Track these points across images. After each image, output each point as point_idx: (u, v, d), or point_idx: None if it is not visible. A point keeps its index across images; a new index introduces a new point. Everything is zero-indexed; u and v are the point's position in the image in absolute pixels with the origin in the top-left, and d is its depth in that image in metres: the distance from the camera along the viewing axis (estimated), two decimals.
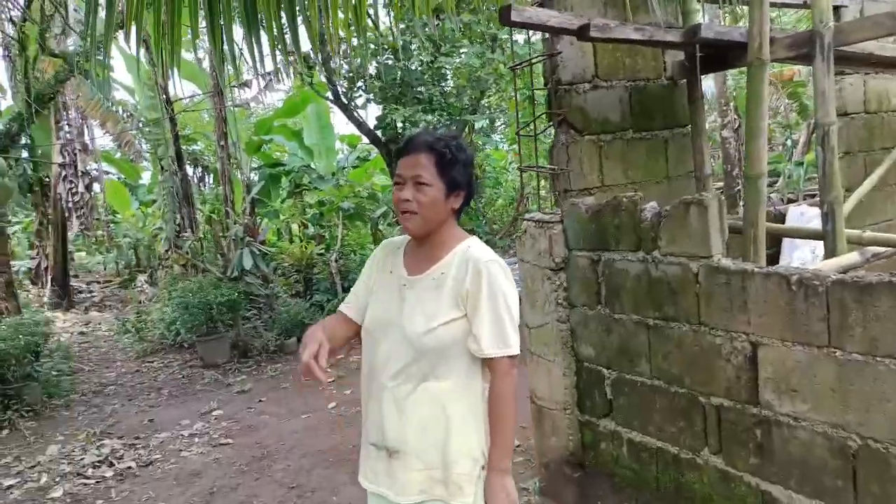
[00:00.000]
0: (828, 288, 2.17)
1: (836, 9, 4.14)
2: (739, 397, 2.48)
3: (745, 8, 3.63)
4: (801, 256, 4.00)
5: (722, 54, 3.49)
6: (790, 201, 10.44)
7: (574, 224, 3.13)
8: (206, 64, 9.65)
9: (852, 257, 3.02)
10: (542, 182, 7.96)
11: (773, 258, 4.33)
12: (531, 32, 3.72)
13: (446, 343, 1.70)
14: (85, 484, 4.38)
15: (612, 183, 3.49)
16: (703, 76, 3.66)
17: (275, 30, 2.98)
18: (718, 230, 2.54)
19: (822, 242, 3.19)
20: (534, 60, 3.45)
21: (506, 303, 1.71)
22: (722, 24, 6.88)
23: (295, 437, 4.93)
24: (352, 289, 1.97)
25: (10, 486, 4.41)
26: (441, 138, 1.76)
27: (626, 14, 3.39)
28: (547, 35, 3.44)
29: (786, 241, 4.21)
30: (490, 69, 8.40)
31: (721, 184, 10.84)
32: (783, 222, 4.28)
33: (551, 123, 3.42)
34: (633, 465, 2.97)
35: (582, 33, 2.93)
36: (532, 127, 3.55)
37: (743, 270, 2.41)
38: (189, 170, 10.94)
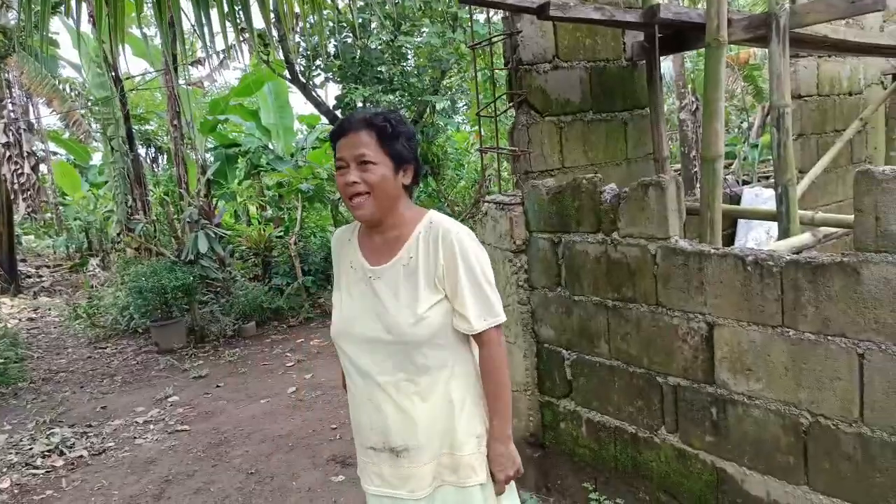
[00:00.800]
0: (781, 269, 2.19)
1: None
2: (696, 377, 2.51)
3: None
4: (756, 237, 4.07)
5: (681, 35, 3.50)
6: (745, 183, 10.68)
7: (534, 206, 3.12)
8: (157, 41, 9.32)
9: (805, 238, 3.08)
10: (504, 164, 7.95)
11: (729, 239, 4.41)
12: (492, 11, 3.67)
13: (435, 328, 1.63)
14: (34, 474, 4.24)
15: (573, 165, 3.48)
16: (661, 58, 3.66)
17: (225, 5, 2.87)
18: (676, 212, 2.55)
19: (776, 223, 3.24)
20: (494, 39, 3.39)
21: (483, 271, 1.65)
22: (681, 4, 6.93)
23: (253, 422, 4.86)
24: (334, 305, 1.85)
25: None
26: (378, 113, 1.65)
27: None
28: (507, 14, 3.39)
29: (741, 222, 4.29)
30: (451, 49, 8.29)
31: (678, 166, 11.01)
32: (739, 203, 4.35)
33: (512, 104, 3.38)
34: (592, 444, 3.00)
35: (542, 12, 2.89)
36: (493, 108, 3.51)
37: (700, 252, 2.43)
38: (141, 150, 10.61)
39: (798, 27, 3.08)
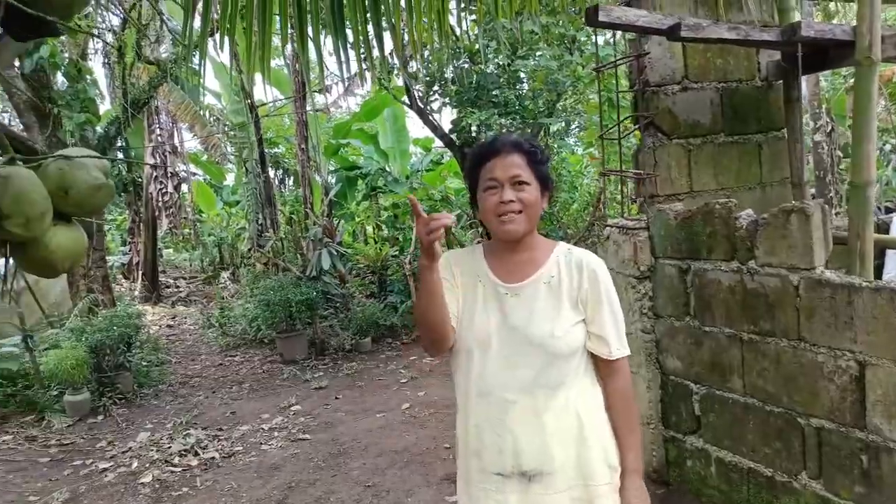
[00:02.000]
0: None
1: None
2: (843, 420, 2.32)
3: (838, 5, 3.42)
4: None
5: (821, 54, 3.30)
6: (888, 210, 9.81)
7: (661, 231, 3.03)
8: (288, 70, 9.96)
9: None
10: (622, 187, 7.77)
11: (877, 271, 4.05)
12: (614, 33, 3.63)
13: (573, 346, 1.65)
14: (172, 471, 4.57)
15: (702, 189, 3.35)
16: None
17: (360, 36, 3.02)
18: (822, 240, 2.39)
19: None
20: (620, 62, 3.35)
21: (618, 302, 1.71)
22: (812, 19, 6.53)
23: (370, 435, 4.99)
24: None
25: (104, 470, 4.66)
26: (525, 139, 1.72)
27: (719, 12, 3.25)
28: (633, 35, 3.34)
29: (890, 253, 3.94)
30: (567, 71, 8.26)
31: (813, 190, 10.29)
32: (887, 232, 4.01)
33: (637, 127, 3.32)
34: (722, 485, 2.84)
35: (673, 33, 2.83)
36: (615, 131, 3.46)
37: (850, 284, 2.26)
38: (271, 172, 11.31)
39: None
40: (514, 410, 1.64)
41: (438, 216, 1.51)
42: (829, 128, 10.37)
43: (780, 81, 3.52)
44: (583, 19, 2.88)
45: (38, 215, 1.50)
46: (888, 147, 13.01)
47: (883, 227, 4.12)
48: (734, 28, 2.96)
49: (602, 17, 2.74)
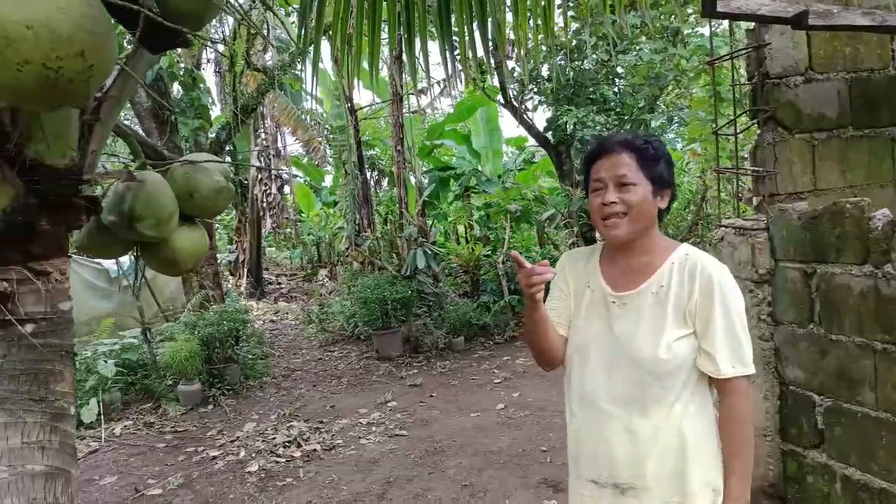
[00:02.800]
0: None
1: None
2: None
3: None
4: None
5: None
6: None
7: (783, 232, 2.84)
8: (384, 73, 10.17)
9: None
10: (727, 185, 7.39)
11: None
12: (730, 23, 3.44)
13: (677, 363, 1.55)
14: (276, 461, 4.77)
15: (827, 187, 3.12)
16: None
17: (466, 37, 3.03)
18: None
19: None
20: (736, 54, 3.18)
21: (739, 314, 1.55)
22: None
23: (465, 434, 5.01)
24: (548, 304, 1.78)
25: (214, 457, 4.92)
26: (638, 136, 1.64)
27: None
28: (751, 25, 3.16)
29: None
30: (671, 65, 7.96)
31: None
32: None
33: (755, 121, 3.13)
34: None
35: (799, 22, 2.65)
36: (729, 126, 3.28)
37: None
38: (367, 173, 11.60)
39: None
40: (611, 421, 1.60)
41: (540, 270, 1.53)
42: None
43: None
44: (689, 11, 2.75)
45: (167, 217, 1.60)
46: None
47: None
48: (868, 13, 2.73)
49: (721, 8, 2.60)
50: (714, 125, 3.30)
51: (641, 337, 1.58)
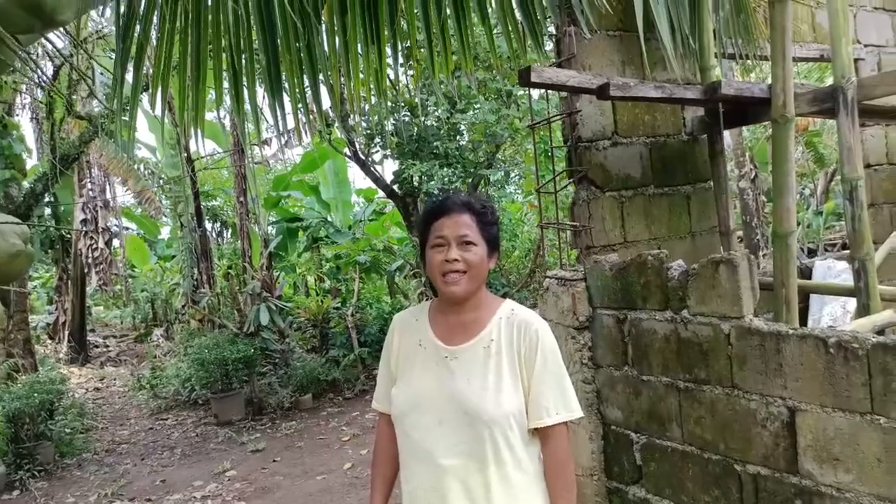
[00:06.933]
0: (868, 351, 2.07)
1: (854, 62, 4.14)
2: (777, 465, 2.36)
3: (753, 62, 3.64)
4: (832, 312, 3.89)
5: (742, 109, 3.48)
6: (811, 251, 10.26)
7: (598, 282, 3.07)
8: (227, 123, 9.87)
9: (887, 315, 2.92)
10: (559, 234, 7.93)
11: (803, 313, 4.21)
12: (547, 91, 3.75)
13: (514, 412, 1.61)
14: None
15: (635, 239, 3.44)
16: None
17: (297, 91, 3.02)
18: (749, 289, 2.46)
19: (852, 297, 3.09)
20: (553, 119, 3.45)
21: (560, 365, 1.67)
22: (735, 76, 6.92)
23: (310, 499, 4.79)
24: (378, 381, 1.88)
25: None
26: (476, 199, 1.74)
27: (645, 71, 3.40)
28: (565, 94, 3.45)
29: (814, 296, 4.11)
30: (505, 124, 8.48)
31: (741, 234, 10.75)
32: (810, 277, 4.19)
33: (571, 180, 3.40)
34: None
35: (602, 93, 2.94)
36: (551, 183, 3.53)
37: (777, 332, 2.32)
38: (208, 225, 11.05)
39: (866, 100, 3.03)
40: (447, 477, 1.61)
41: None
42: (753, 174, 10.93)
43: (705, 136, 3.68)
44: (517, 77, 2.96)
45: None
46: (808, 191, 13.79)
47: (806, 272, 4.31)
48: (660, 87, 3.09)
49: (534, 78, 2.82)
50: (537, 183, 3.53)
51: (475, 389, 1.62)
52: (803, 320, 4.01)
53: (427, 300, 1.88)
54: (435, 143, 8.98)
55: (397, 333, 1.82)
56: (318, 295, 10.08)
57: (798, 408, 2.27)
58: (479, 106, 8.75)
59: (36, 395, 5.84)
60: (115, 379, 10.05)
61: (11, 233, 1.57)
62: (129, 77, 2.54)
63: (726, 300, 2.48)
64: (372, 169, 10.09)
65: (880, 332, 2.76)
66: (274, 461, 5.74)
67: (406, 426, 1.69)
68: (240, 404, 7.21)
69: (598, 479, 3.11)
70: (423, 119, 9.02)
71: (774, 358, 2.33)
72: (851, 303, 3.61)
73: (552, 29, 3.51)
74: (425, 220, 1.73)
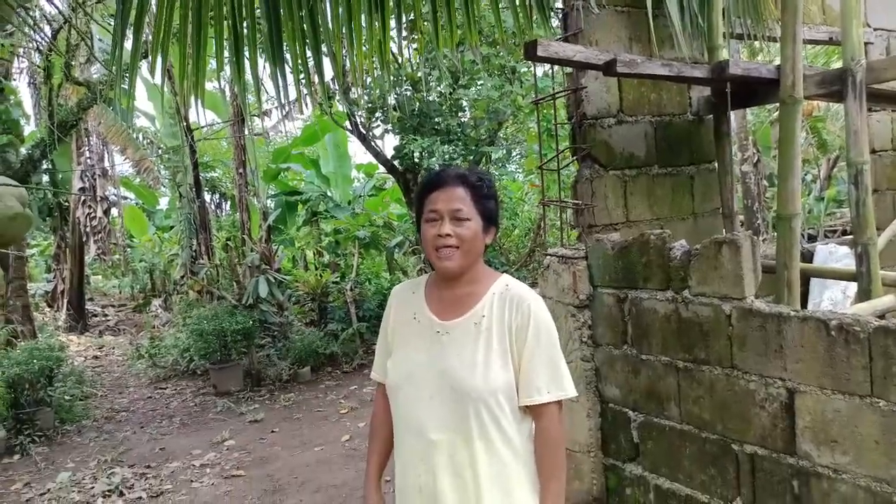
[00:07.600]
0: (870, 335, 2.08)
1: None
2: (775, 446, 2.38)
3: (762, 43, 3.60)
4: (832, 296, 3.89)
5: (749, 91, 3.44)
6: (811, 237, 10.28)
7: (599, 261, 3.07)
8: (227, 92, 9.77)
9: (888, 300, 2.92)
10: (561, 214, 7.91)
11: (803, 297, 4.22)
12: (552, 66, 3.70)
13: (500, 389, 1.60)
14: None
15: (637, 219, 3.42)
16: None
17: (299, 61, 2.98)
18: (752, 271, 2.46)
19: (853, 282, 3.10)
20: (557, 95, 3.42)
21: (554, 343, 1.65)
22: (740, 57, 6.86)
23: (307, 470, 4.84)
24: (376, 352, 1.88)
25: None
26: (473, 172, 1.70)
27: (652, 49, 3.36)
28: (571, 70, 3.41)
29: (815, 281, 4.11)
30: (508, 101, 8.42)
31: (742, 218, 10.74)
32: (811, 261, 4.18)
33: (575, 158, 3.38)
34: None
35: (609, 69, 2.90)
36: (554, 161, 3.51)
37: (778, 314, 2.33)
38: (207, 196, 11.01)
39: (875, 83, 3.00)
40: (436, 451, 1.61)
41: None
42: (756, 159, 10.89)
43: (711, 116, 3.65)
44: (522, 52, 2.92)
45: None
46: (810, 177, 13.76)
47: (807, 256, 4.30)
48: (667, 65, 3.05)
49: (540, 52, 2.78)
50: (540, 160, 3.51)
51: (465, 365, 1.62)
52: (804, 304, 4.02)
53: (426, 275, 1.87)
54: (437, 119, 8.92)
55: (394, 306, 1.82)
56: (316, 269, 10.08)
57: (797, 389, 2.28)
58: (482, 82, 8.68)
59: (35, 361, 5.85)
60: (113, 348, 10.09)
61: (9, 195, 1.55)
62: (129, 45, 2.50)
63: (728, 281, 2.48)
64: (372, 143, 10.03)
65: (881, 316, 2.76)
66: (272, 432, 5.79)
67: (399, 399, 1.70)
68: (238, 375, 7.25)
69: (595, 455, 3.13)
70: (425, 94, 8.94)
71: (775, 339, 2.33)
72: (852, 288, 3.61)
73: (559, 3, 3.46)
74: (420, 194, 1.72)
